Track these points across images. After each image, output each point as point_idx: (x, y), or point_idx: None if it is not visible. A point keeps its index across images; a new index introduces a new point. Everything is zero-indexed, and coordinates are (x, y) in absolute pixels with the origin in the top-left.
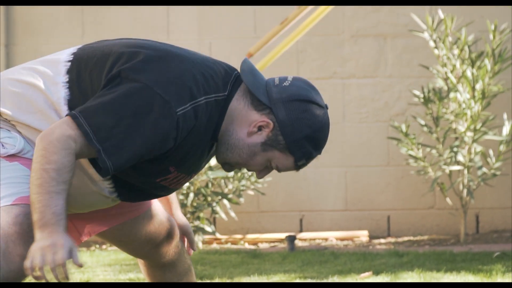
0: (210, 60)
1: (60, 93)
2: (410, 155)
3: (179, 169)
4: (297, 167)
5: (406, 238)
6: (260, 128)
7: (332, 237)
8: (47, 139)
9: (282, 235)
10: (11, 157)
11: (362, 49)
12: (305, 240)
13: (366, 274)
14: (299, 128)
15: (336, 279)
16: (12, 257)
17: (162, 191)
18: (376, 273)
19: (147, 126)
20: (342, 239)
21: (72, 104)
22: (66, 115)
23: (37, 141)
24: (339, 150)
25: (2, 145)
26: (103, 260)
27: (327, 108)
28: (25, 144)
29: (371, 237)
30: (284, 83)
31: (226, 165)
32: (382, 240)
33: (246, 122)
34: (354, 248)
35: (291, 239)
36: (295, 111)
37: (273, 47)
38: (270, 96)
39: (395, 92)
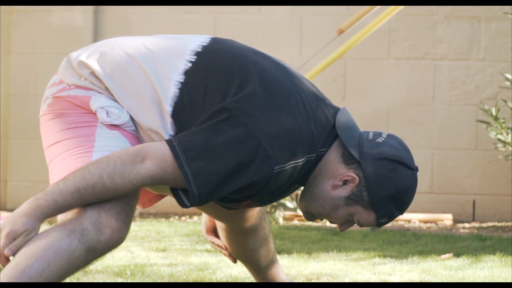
0: (315, 102)
1: (170, 90)
2: (499, 140)
3: (254, 200)
4: (379, 224)
5: (491, 224)
6: (345, 182)
7: (415, 219)
8: (137, 159)
9: None
10: (113, 126)
11: (455, 31)
12: None
13: (447, 255)
14: (385, 186)
15: (416, 259)
16: (103, 228)
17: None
18: (457, 255)
19: (243, 177)
20: (425, 222)
21: (177, 107)
22: (168, 143)
23: (131, 151)
24: (427, 132)
25: (107, 113)
26: (181, 231)
27: (417, 170)
28: (130, 120)
29: (455, 221)
30: (378, 139)
31: (308, 214)
32: (466, 225)
33: (333, 175)
34: (437, 231)
35: None
36: (383, 169)
37: (364, 25)
38: (361, 150)
39: (486, 76)
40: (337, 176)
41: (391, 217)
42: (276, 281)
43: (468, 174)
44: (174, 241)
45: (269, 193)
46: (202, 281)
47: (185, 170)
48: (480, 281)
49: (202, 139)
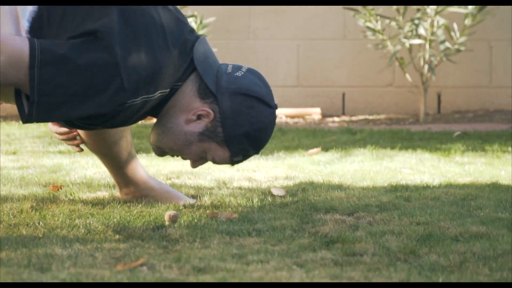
0: (176, 31)
1: (29, 7)
2: (368, 28)
3: (97, 126)
4: (232, 162)
5: (361, 117)
6: (199, 117)
7: (281, 114)
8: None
9: None
10: None
11: None
12: None
13: (315, 150)
14: (241, 123)
15: (282, 154)
16: None
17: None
18: (326, 149)
19: (91, 104)
20: (292, 117)
21: (35, 23)
22: (30, 42)
23: None
24: (291, 22)
25: None
26: (32, 132)
27: (275, 108)
28: None
29: (324, 115)
30: (237, 73)
31: (159, 149)
32: (336, 119)
33: (187, 109)
34: (305, 126)
35: None
36: (240, 105)
37: None
38: (219, 84)
39: None
40: (191, 110)
41: (246, 156)
42: (135, 178)
43: (336, 65)
44: (25, 144)
45: (115, 123)
46: (55, 183)
47: (33, 73)
48: (350, 174)
49: (64, 50)
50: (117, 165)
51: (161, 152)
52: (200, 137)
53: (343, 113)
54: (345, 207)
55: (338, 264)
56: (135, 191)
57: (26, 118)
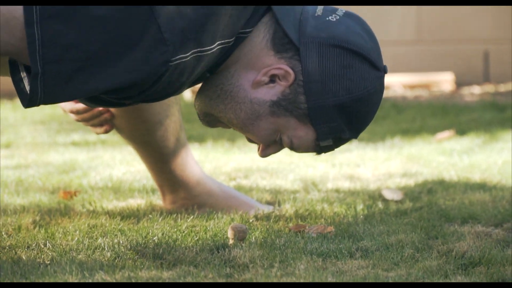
0: None
1: None
2: None
3: (136, 101)
4: (319, 149)
5: None
6: (273, 78)
7: (396, 82)
8: None
9: None
10: None
11: None
12: None
13: (445, 134)
14: (333, 89)
15: (398, 141)
16: None
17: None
18: (461, 133)
19: (118, 69)
20: (412, 87)
21: None
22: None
23: None
24: None
25: None
26: (33, 116)
27: (385, 72)
28: None
29: (459, 83)
30: (330, 17)
31: (209, 117)
32: (476, 88)
33: (256, 66)
34: (430, 99)
35: None
36: (333, 63)
37: None
38: (303, 31)
39: None
40: (262, 67)
41: (339, 140)
42: (186, 177)
43: (475, 11)
44: (23, 132)
45: (158, 94)
46: (68, 188)
47: (32, 32)
48: (497, 168)
49: None
50: (162, 158)
51: (213, 121)
52: (273, 109)
53: (486, 81)
54: (491, 216)
55: (468, 282)
56: (186, 196)
57: (29, 99)
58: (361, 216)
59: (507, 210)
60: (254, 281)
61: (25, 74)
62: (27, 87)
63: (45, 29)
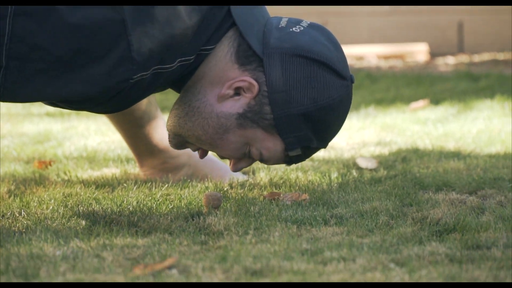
0: None
1: None
2: None
3: (89, 110)
4: (289, 159)
5: (486, 56)
6: (238, 91)
7: (371, 53)
8: None
9: None
10: None
11: None
12: None
13: (420, 103)
14: (298, 98)
15: (372, 110)
16: None
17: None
18: (435, 102)
19: (80, 77)
20: (386, 57)
21: None
22: None
23: None
24: None
25: None
26: None
27: (352, 81)
28: None
29: (433, 54)
30: (294, 28)
31: (177, 139)
32: (450, 59)
33: (220, 80)
34: (405, 69)
35: None
36: (297, 72)
37: None
38: (266, 42)
39: None
40: (226, 81)
41: (307, 150)
42: (163, 143)
43: None
44: None
45: (112, 106)
46: (42, 158)
47: (4, 25)
48: (471, 137)
49: None
50: (136, 122)
51: (181, 142)
52: (240, 121)
53: (461, 51)
54: (465, 183)
55: (456, 261)
56: (165, 161)
57: None
58: (336, 184)
59: (481, 178)
60: (229, 247)
61: None
62: None
63: (17, 25)
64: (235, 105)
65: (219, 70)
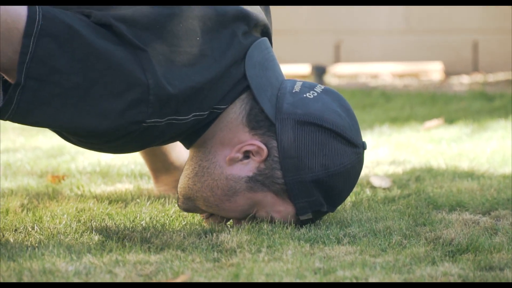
0: (225, 34)
1: None
2: None
3: (95, 148)
4: (299, 222)
5: (501, 76)
6: (247, 155)
7: (386, 71)
8: None
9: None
10: None
11: None
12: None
13: (434, 123)
14: (310, 165)
15: (386, 129)
16: None
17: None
18: (450, 121)
19: (93, 110)
20: (401, 76)
21: None
22: (30, 7)
23: None
24: None
25: None
26: None
27: (364, 148)
28: None
29: (448, 73)
30: (307, 94)
31: (187, 201)
32: (465, 78)
33: (230, 142)
34: (419, 88)
35: (320, 71)
36: (308, 139)
37: None
38: (279, 107)
39: None
40: (236, 144)
41: (318, 213)
42: (181, 160)
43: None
44: None
45: (122, 146)
46: (56, 173)
47: (28, 43)
48: (485, 157)
49: (75, 22)
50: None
51: (189, 204)
52: (250, 184)
53: (475, 70)
54: (479, 204)
55: (468, 282)
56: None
57: (1, 108)
58: (349, 203)
59: (494, 198)
60: (242, 265)
61: (0, 91)
62: (2, 97)
63: (40, 46)
64: (245, 169)
65: (230, 131)
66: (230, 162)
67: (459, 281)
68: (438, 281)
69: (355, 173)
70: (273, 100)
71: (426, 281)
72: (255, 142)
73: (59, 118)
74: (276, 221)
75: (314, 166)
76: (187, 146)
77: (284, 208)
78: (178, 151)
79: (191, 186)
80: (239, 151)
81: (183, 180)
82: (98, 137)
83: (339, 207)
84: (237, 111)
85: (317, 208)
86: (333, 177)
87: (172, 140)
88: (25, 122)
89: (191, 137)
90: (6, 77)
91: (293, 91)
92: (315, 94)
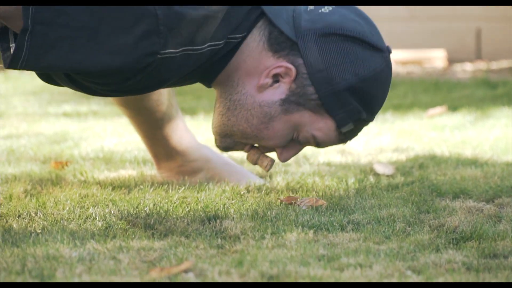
0: None
1: None
2: None
3: (111, 92)
4: (342, 136)
5: (505, 63)
6: (276, 78)
7: None
8: None
9: None
10: None
11: None
12: None
13: (437, 110)
14: (340, 74)
15: (389, 116)
16: None
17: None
18: (453, 109)
19: (104, 48)
20: (404, 63)
21: None
22: None
23: None
24: None
25: None
26: (24, 87)
27: (389, 52)
28: None
29: (451, 60)
30: (322, 9)
31: (224, 139)
32: (468, 65)
33: (257, 70)
34: (422, 75)
35: None
36: (333, 50)
37: None
38: (298, 26)
39: None
40: (262, 70)
41: (359, 122)
42: (183, 144)
43: None
44: (13, 103)
45: (140, 86)
46: (59, 159)
47: None
48: (488, 144)
49: None
50: (156, 124)
51: (228, 142)
52: (285, 106)
53: (478, 58)
54: (482, 191)
55: (472, 270)
56: (182, 163)
57: (13, 56)
58: (353, 190)
59: (498, 186)
60: (246, 252)
61: (13, 44)
62: (12, 46)
63: None
64: (276, 92)
65: (254, 60)
66: (261, 89)
67: (463, 268)
68: (442, 268)
69: (385, 76)
70: (290, 21)
71: (430, 268)
72: (281, 64)
73: (71, 59)
74: (320, 141)
75: (344, 74)
76: (208, 84)
77: (324, 124)
78: (179, 136)
79: (225, 122)
80: (267, 76)
81: (217, 119)
82: (116, 76)
83: (342, 193)
84: (256, 39)
85: (356, 117)
86: (365, 82)
87: (191, 79)
88: (38, 68)
89: (209, 73)
90: (9, 26)
91: (308, 9)
92: (331, 8)
